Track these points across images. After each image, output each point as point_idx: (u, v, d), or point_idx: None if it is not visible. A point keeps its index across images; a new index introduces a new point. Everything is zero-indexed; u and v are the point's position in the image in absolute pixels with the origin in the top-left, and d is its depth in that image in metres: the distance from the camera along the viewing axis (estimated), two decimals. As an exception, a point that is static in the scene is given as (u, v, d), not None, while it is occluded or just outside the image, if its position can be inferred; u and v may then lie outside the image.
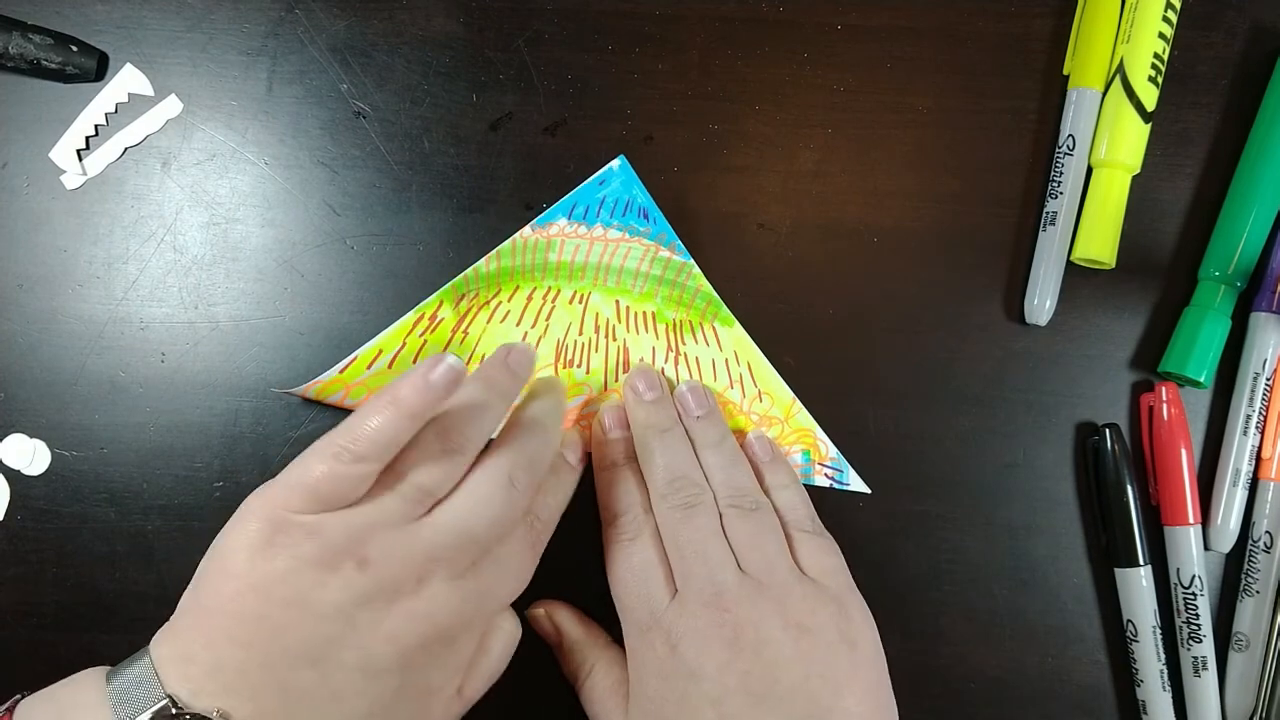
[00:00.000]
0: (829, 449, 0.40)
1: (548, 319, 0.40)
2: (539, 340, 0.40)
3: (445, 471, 0.32)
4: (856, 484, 0.40)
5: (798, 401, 0.40)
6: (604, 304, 0.40)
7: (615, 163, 0.40)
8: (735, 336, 0.40)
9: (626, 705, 0.35)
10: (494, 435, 0.35)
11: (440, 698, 0.32)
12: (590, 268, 0.40)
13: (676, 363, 0.40)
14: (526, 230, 0.40)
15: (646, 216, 0.40)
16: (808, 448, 0.40)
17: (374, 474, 0.31)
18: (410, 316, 0.40)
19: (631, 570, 0.35)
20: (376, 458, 0.30)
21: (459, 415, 0.33)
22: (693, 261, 0.40)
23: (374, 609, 0.30)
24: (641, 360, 0.40)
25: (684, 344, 0.40)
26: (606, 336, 0.40)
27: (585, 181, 0.40)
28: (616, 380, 0.40)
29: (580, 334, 0.40)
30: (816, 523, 0.37)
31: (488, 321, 0.40)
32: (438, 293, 0.40)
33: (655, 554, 0.35)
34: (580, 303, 0.40)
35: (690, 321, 0.40)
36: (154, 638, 0.30)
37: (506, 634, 0.35)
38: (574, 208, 0.40)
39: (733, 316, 0.40)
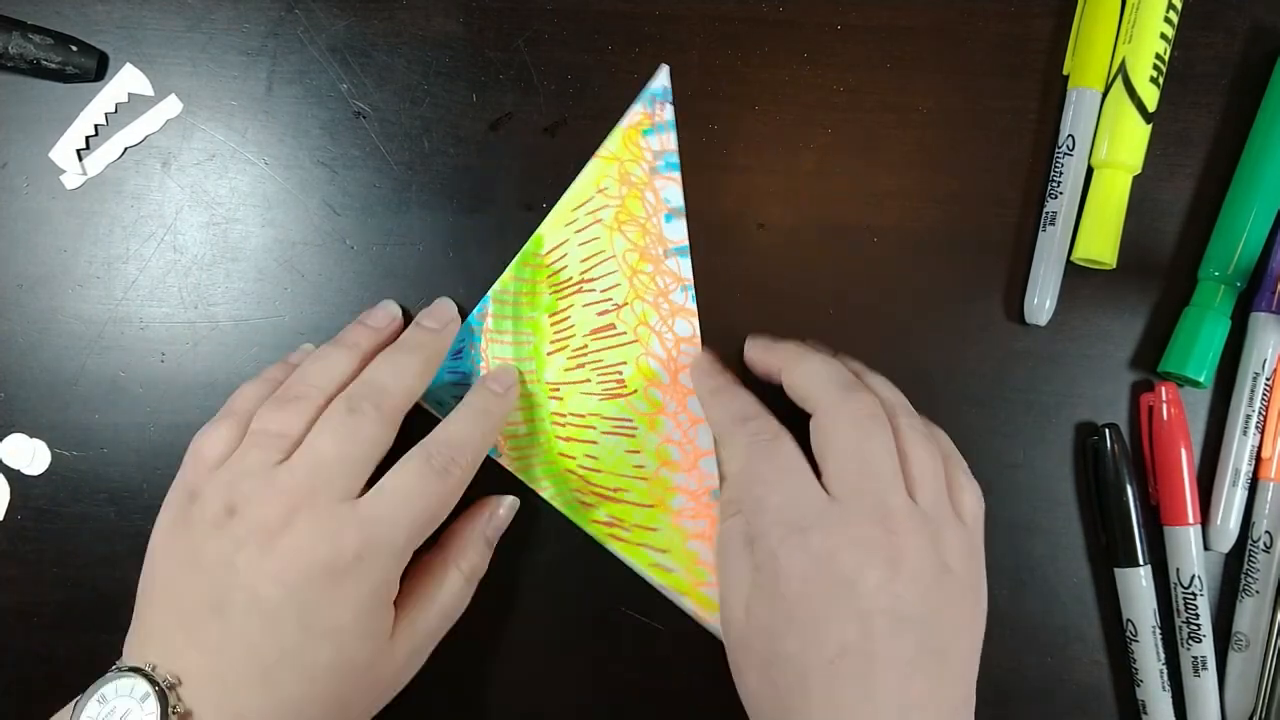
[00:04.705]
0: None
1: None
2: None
3: (289, 415, 0.34)
4: (857, 484, 0.40)
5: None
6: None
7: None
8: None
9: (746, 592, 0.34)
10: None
11: (360, 640, 0.33)
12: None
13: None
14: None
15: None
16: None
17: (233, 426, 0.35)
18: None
19: (778, 468, 0.34)
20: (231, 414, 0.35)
21: (305, 366, 0.36)
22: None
23: (249, 551, 0.32)
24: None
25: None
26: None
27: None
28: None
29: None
30: (967, 469, 0.37)
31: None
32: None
33: (801, 454, 0.35)
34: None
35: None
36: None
37: (452, 584, 0.36)
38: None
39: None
